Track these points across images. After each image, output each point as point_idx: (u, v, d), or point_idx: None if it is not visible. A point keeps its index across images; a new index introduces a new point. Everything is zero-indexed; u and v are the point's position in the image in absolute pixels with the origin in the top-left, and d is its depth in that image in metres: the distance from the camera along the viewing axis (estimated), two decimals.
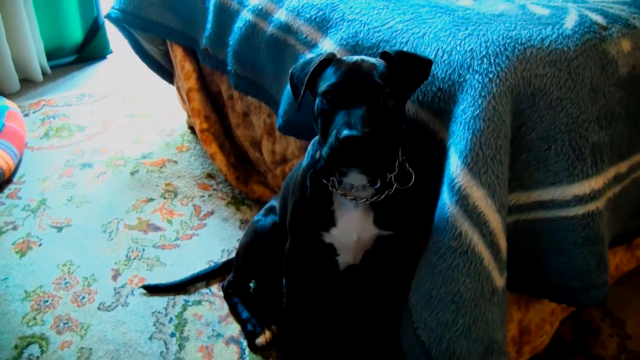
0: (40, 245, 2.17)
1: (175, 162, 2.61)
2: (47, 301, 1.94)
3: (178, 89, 2.63)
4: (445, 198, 1.28)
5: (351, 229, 1.45)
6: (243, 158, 2.38)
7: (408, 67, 1.29)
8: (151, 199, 2.39)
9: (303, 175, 1.49)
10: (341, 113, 1.23)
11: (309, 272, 1.64)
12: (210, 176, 2.51)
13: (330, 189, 1.41)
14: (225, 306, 1.91)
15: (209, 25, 2.13)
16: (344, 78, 1.26)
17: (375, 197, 1.39)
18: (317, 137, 1.37)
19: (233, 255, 2.03)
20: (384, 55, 1.33)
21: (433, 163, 1.41)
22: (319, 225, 1.48)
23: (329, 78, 1.29)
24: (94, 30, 3.64)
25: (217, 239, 2.17)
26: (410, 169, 1.39)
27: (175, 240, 2.18)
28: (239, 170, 2.34)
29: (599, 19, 1.46)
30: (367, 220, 1.43)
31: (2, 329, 1.85)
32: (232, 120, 2.33)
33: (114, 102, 3.14)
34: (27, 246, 2.16)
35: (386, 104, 1.25)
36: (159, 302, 1.93)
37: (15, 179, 2.53)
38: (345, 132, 1.18)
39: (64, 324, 1.86)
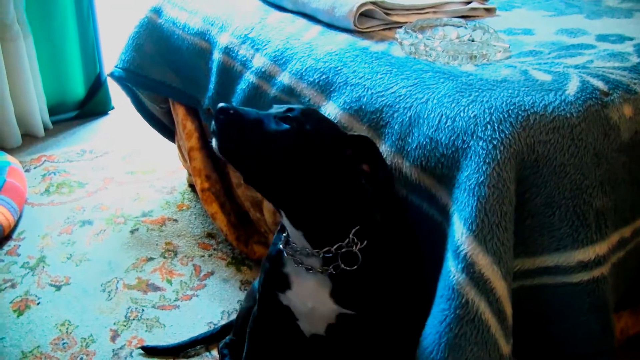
0: (38, 304, 2.15)
1: (176, 220, 2.60)
2: None
3: (179, 147, 2.64)
4: (450, 265, 1.27)
5: (304, 296, 1.41)
6: (244, 218, 2.37)
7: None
8: (151, 258, 2.37)
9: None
10: None
11: (273, 336, 1.61)
12: (210, 235, 2.50)
13: (280, 246, 1.40)
14: None
15: (211, 86, 2.14)
16: None
17: (325, 270, 1.36)
18: None
19: (233, 317, 2.01)
20: None
21: (430, 236, 1.41)
22: (275, 285, 1.45)
23: None
24: (96, 87, 3.67)
25: (217, 300, 2.15)
26: (358, 252, 1.34)
27: (175, 300, 2.16)
28: (239, 230, 2.33)
29: (600, 84, 1.47)
30: (323, 292, 1.38)
31: None
32: (233, 180, 2.33)
33: (115, 158, 3.15)
34: (25, 305, 2.14)
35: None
36: None
37: (14, 236, 2.52)
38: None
39: None
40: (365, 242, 1.35)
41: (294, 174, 1.28)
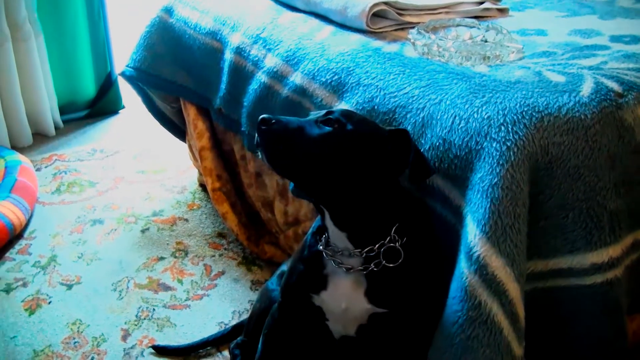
0: (49, 303, 2.15)
1: (186, 220, 2.60)
2: None
3: (190, 146, 2.64)
4: (463, 267, 1.27)
5: (339, 296, 1.41)
6: (254, 218, 2.37)
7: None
8: (162, 258, 2.37)
9: (307, 234, 1.49)
10: None
11: (298, 338, 1.61)
12: (221, 235, 2.50)
13: (320, 248, 1.40)
14: None
15: (223, 86, 2.14)
16: None
17: (366, 268, 1.37)
18: None
19: (244, 317, 2.01)
20: None
21: (443, 237, 1.41)
22: (310, 287, 1.45)
23: None
24: (107, 86, 3.68)
25: (228, 299, 2.15)
26: (400, 248, 1.35)
27: (185, 300, 2.16)
28: (250, 230, 2.33)
29: (614, 86, 1.46)
30: (358, 291, 1.39)
31: None
32: (244, 180, 2.33)
33: (126, 158, 3.15)
34: (36, 304, 2.15)
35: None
36: None
37: (26, 235, 2.53)
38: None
39: None
40: (405, 239, 1.36)
41: (342, 174, 1.29)
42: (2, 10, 3.04)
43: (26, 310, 2.12)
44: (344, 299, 1.41)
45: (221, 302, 2.14)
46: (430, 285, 1.40)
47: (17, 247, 2.45)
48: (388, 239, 1.35)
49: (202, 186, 2.82)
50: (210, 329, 2.01)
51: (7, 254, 2.41)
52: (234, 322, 2.02)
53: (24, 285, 2.24)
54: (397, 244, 1.35)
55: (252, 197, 2.30)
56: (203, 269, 2.30)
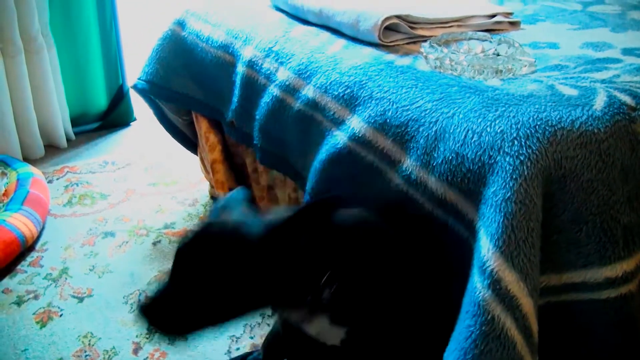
0: (61, 315, 2.16)
1: None
2: None
3: (201, 159, 2.65)
4: (476, 281, 1.26)
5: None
6: None
7: None
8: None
9: None
10: None
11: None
12: None
13: None
14: None
15: (235, 99, 2.15)
16: None
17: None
18: None
19: (255, 330, 2.01)
20: None
21: (455, 252, 1.41)
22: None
23: None
24: (118, 98, 3.69)
25: None
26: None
27: None
28: None
29: (627, 99, 1.45)
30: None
31: None
32: (256, 193, 2.33)
33: (137, 170, 3.16)
34: (47, 316, 2.15)
35: None
36: None
37: (37, 247, 2.54)
38: None
39: None
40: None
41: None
42: (15, 22, 3.06)
43: (37, 322, 2.13)
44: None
45: None
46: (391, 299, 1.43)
47: (28, 259, 2.47)
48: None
49: (214, 199, 2.83)
50: (221, 342, 2.02)
51: (19, 267, 2.42)
52: (246, 336, 2.01)
53: (36, 297, 2.25)
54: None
55: (264, 210, 2.30)
56: None
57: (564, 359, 1.46)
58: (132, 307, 2.19)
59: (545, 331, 1.35)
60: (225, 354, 1.99)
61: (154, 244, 2.55)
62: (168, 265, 2.35)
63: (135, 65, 2.81)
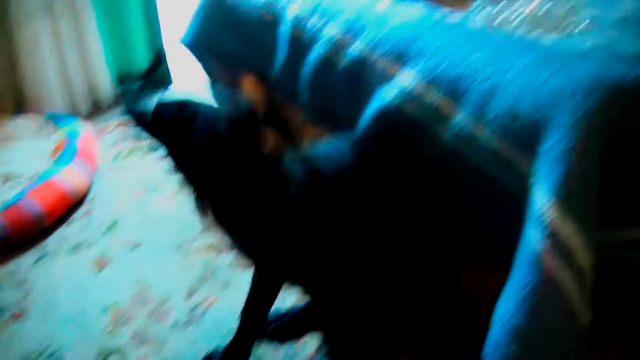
0: (115, 262, 2.25)
1: None
2: (124, 316, 2.01)
3: None
4: (532, 234, 1.29)
5: None
6: None
7: None
8: None
9: None
10: None
11: None
12: None
13: None
14: None
15: (280, 57, 2.18)
16: None
17: None
18: None
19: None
20: None
21: (506, 206, 1.44)
22: None
23: None
24: (158, 60, 3.74)
25: None
26: None
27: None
28: None
29: None
30: None
31: (84, 339, 1.93)
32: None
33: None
34: (103, 263, 2.24)
35: None
36: (234, 322, 1.97)
37: (88, 200, 2.62)
38: None
39: (141, 338, 1.93)
40: None
41: None
42: None
43: (93, 269, 2.21)
44: None
45: None
46: None
47: (80, 211, 2.55)
48: None
49: None
50: None
51: (71, 218, 2.50)
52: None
53: (90, 246, 2.34)
54: None
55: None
56: None
57: (616, 315, 1.49)
58: (184, 255, 2.27)
59: (602, 287, 1.35)
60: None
61: None
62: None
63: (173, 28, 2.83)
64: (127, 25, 3.56)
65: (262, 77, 2.37)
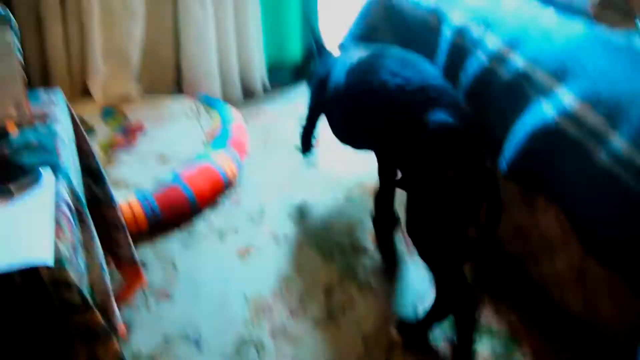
0: (259, 252, 2.33)
1: None
2: (264, 308, 2.07)
3: None
4: None
5: None
6: None
7: None
8: (362, 222, 2.49)
9: None
10: None
11: None
12: None
13: None
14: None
15: (439, 61, 2.20)
16: None
17: None
18: None
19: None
20: None
21: None
22: None
23: None
24: (311, 54, 3.80)
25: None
26: None
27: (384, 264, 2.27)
28: None
29: None
30: None
31: (224, 327, 2.00)
32: None
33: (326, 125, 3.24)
34: (247, 252, 2.33)
35: None
36: (371, 325, 2.00)
37: (237, 186, 2.73)
38: None
39: (279, 333, 1.98)
40: None
41: None
42: None
43: (238, 257, 2.30)
44: None
45: (419, 270, 2.18)
46: None
47: (229, 197, 2.65)
48: None
49: None
50: (409, 294, 2.11)
51: (221, 203, 2.61)
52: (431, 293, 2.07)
53: (236, 232, 2.43)
54: None
55: None
56: (402, 239, 2.38)
57: None
58: (324, 254, 2.31)
59: None
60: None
61: (346, 196, 2.66)
62: (358, 216, 2.47)
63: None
64: (285, 19, 3.68)
65: None
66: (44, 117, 1.56)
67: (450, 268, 1.77)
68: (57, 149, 1.42)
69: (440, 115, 1.69)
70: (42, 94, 1.72)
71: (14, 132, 1.48)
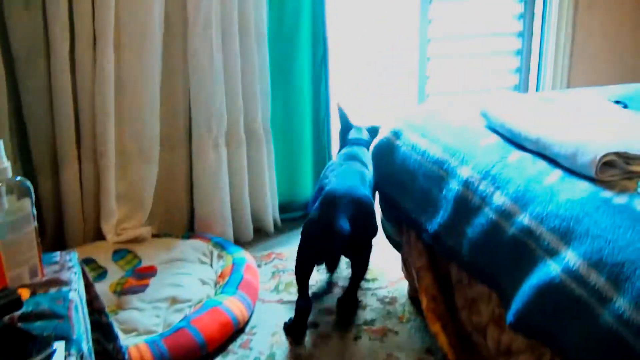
0: None
1: (396, 332, 2.70)
2: None
3: (405, 260, 2.76)
4: None
5: None
6: (465, 340, 2.42)
7: None
8: None
9: None
10: None
11: None
12: (429, 352, 2.57)
13: None
14: None
15: (445, 213, 2.26)
16: None
17: None
18: None
19: None
20: None
21: None
22: None
23: None
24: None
25: None
26: None
27: None
28: (460, 352, 2.38)
29: None
30: None
31: None
32: (457, 302, 2.39)
33: (342, 263, 3.29)
34: None
35: None
36: None
37: (247, 330, 2.74)
38: None
39: None
40: None
41: None
42: (241, 118, 3.41)
43: None
44: None
45: None
46: None
47: (239, 341, 2.67)
48: None
49: (412, 299, 2.91)
50: None
51: (231, 347, 2.62)
52: None
53: None
54: None
55: (465, 320, 2.36)
56: None
57: None
58: None
59: None
60: None
61: (355, 339, 2.67)
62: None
63: None
64: (297, 158, 3.78)
65: (417, 229, 2.45)
66: (57, 283, 1.61)
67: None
68: (70, 318, 1.46)
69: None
70: (57, 256, 1.78)
71: (26, 297, 1.53)
